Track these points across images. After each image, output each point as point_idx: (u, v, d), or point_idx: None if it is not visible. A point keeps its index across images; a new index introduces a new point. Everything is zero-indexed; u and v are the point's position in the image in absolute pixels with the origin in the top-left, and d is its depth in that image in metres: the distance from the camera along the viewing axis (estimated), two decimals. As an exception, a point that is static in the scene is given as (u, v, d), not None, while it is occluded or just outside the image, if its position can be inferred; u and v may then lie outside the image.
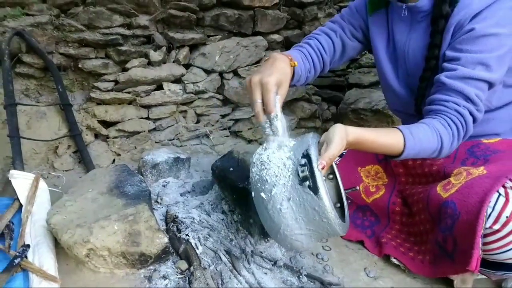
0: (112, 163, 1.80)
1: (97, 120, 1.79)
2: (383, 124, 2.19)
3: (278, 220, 0.91)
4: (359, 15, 1.32)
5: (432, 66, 1.11)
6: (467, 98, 1.02)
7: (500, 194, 0.94)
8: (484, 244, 0.94)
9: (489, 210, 0.92)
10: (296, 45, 1.35)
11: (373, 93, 2.21)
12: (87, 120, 1.77)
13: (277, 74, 1.02)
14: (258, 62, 2.05)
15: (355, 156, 1.38)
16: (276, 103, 0.99)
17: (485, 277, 1.09)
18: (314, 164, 0.86)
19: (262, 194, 0.91)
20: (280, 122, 0.98)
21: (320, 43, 1.33)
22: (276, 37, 2.09)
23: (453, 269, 1.02)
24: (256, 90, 1.00)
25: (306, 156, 0.88)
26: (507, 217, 0.90)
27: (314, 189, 0.85)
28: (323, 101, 2.30)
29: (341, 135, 0.91)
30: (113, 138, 1.83)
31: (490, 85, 1.05)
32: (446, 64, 1.05)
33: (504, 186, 0.96)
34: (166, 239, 1.08)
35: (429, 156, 1.06)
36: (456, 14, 1.04)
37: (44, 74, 1.76)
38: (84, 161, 1.69)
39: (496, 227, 0.91)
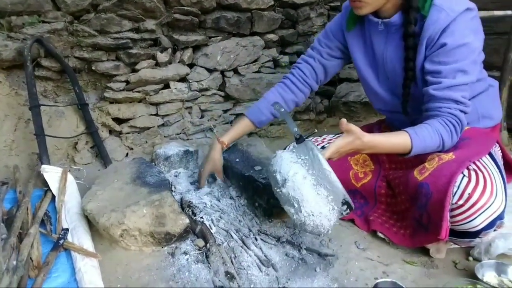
0: (125, 156, 1.97)
1: (111, 118, 1.96)
2: (371, 115, 2.39)
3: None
4: (334, 37, 1.52)
5: (410, 76, 1.30)
6: (456, 102, 1.21)
7: (464, 175, 1.14)
8: (452, 217, 1.14)
9: (455, 189, 1.12)
10: (283, 77, 1.64)
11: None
12: (102, 118, 1.94)
13: (208, 166, 1.59)
14: (256, 60, 2.24)
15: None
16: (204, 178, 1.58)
17: (456, 246, 1.29)
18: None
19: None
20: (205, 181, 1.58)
21: (302, 71, 1.59)
22: (272, 36, 2.26)
23: (428, 239, 1.22)
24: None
25: (346, 203, 1.13)
26: (469, 194, 1.10)
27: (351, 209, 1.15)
28: (316, 95, 2.48)
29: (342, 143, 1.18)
30: (126, 133, 2.00)
31: (470, 84, 1.23)
32: (430, 78, 1.23)
33: (468, 168, 1.16)
34: (187, 220, 1.27)
35: (435, 150, 1.25)
36: (426, 29, 1.21)
37: (61, 76, 1.91)
38: (101, 155, 1.86)
39: (460, 202, 1.11)
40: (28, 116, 1.81)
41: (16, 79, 1.86)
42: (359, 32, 1.45)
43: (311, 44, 1.62)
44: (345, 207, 1.13)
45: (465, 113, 1.24)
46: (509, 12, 1.98)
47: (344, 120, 1.15)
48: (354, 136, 1.16)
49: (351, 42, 1.48)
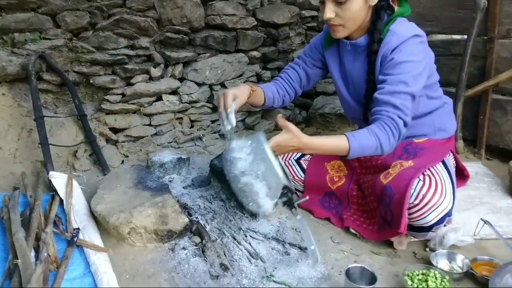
0: (121, 163, 2.13)
1: (108, 128, 2.11)
2: (345, 125, 2.63)
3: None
4: (317, 50, 1.76)
5: (370, 87, 1.53)
6: (395, 107, 1.40)
7: (420, 180, 1.37)
8: (409, 214, 1.36)
9: (412, 191, 1.34)
10: (274, 78, 1.85)
11: (337, 99, 2.60)
12: (99, 128, 2.09)
13: (235, 90, 1.53)
14: (241, 75, 2.43)
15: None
16: (232, 105, 1.45)
17: (415, 239, 1.52)
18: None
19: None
20: (234, 116, 1.43)
21: (289, 76, 1.81)
22: (255, 53, 2.46)
23: (391, 233, 1.44)
24: (221, 98, 1.50)
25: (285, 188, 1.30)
26: (423, 195, 1.33)
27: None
28: (295, 107, 2.71)
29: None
30: (121, 142, 2.16)
31: (412, 95, 1.42)
32: (378, 85, 1.47)
33: (423, 174, 1.39)
34: (187, 219, 1.45)
35: (374, 153, 1.42)
36: (381, 48, 1.46)
37: (60, 89, 2.05)
38: (100, 162, 2.01)
39: (416, 202, 1.34)
40: (30, 126, 1.95)
41: (19, 92, 1.98)
42: (335, 50, 1.69)
43: (295, 58, 1.86)
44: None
45: (404, 121, 1.39)
46: (465, 37, 2.26)
47: (280, 115, 1.32)
48: (292, 134, 1.28)
49: (328, 58, 1.73)
